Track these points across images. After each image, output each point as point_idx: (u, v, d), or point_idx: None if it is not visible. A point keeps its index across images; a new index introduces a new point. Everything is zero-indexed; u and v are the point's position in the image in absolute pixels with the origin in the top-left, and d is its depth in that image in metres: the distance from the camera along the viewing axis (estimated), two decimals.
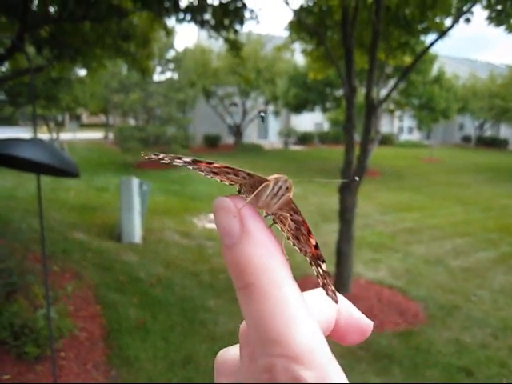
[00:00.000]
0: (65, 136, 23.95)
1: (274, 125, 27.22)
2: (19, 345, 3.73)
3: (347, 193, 4.95)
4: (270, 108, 23.46)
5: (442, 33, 5.37)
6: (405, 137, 33.11)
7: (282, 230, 0.29)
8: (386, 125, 28.29)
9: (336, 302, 0.26)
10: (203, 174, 0.29)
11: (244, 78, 17.02)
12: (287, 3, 5.11)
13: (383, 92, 5.29)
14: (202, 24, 5.22)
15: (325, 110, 20.29)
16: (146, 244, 7.36)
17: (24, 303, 4.07)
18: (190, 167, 0.28)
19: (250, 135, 26.52)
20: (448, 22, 5.60)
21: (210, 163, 0.28)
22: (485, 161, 22.04)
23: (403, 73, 5.04)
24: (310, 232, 0.28)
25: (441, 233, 9.22)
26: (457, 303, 5.66)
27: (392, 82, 14.01)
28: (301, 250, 0.29)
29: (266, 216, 0.28)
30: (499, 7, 4.41)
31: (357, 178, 0.53)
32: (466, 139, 34.98)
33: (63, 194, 11.00)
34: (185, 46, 27.15)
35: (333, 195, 7.55)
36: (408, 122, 31.05)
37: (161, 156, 0.28)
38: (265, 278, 0.19)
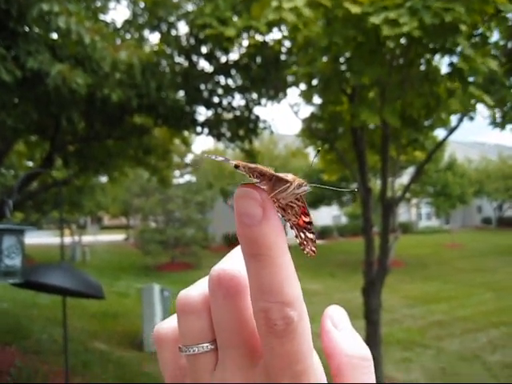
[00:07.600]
0: (86, 238, 24.38)
1: None
2: None
3: (371, 293, 4.85)
4: None
5: (450, 130, 5.60)
6: (424, 223, 32.83)
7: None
8: (404, 213, 28.21)
9: (312, 256, 0.35)
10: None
11: None
12: (296, 114, 5.42)
13: (397, 182, 5.38)
14: (219, 137, 5.54)
15: (342, 205, 20.49)
16: None
17: None
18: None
19: None
20: (453, 116, 5.85)
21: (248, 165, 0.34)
22: (508, 242, 21.52)
23: (416, 171, 5.17)
24: (306, 214, 0.34)
25: (473, 324, 8.81)
26: None
27: (405, 173, 14.29)
28: (286, 219, 0.35)
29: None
30: (500, 111, 4.61)
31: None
32: (486, 221, 34.57)
33: (85, 300, 10.94)
34: (202, 149, 28.35)
35: (357, 290, 7.43)
36: (426, 208, 30.98)
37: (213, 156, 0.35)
38: (274, 250, 0.27)
